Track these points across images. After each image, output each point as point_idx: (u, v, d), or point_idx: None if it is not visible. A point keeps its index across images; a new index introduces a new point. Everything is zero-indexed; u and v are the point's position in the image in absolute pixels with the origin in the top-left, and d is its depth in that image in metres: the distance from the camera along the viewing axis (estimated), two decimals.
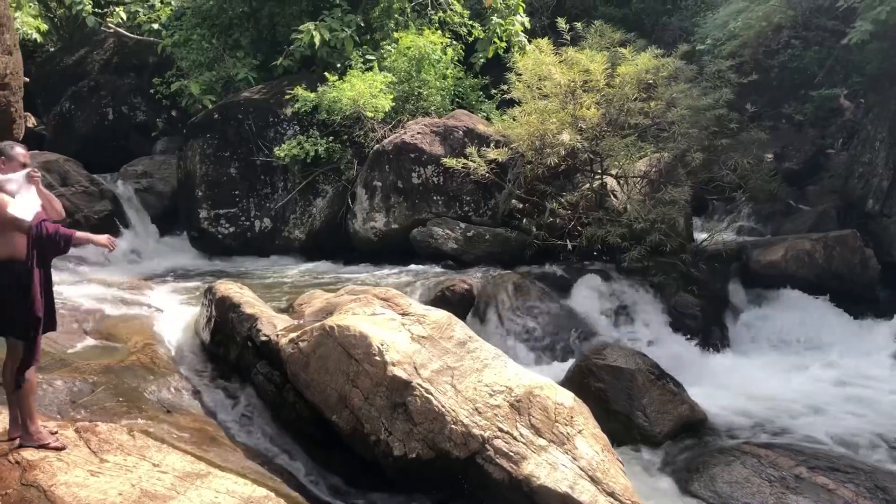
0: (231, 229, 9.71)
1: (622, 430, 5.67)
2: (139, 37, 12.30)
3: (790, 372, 7.27)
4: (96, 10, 12.33)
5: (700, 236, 9.42)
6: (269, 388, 4.93)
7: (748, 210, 11.42)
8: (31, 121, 12.58)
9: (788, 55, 12.81)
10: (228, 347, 5.40)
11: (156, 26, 12.14)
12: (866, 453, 5.42)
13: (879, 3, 8.33)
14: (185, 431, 4.47)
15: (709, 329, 7.84)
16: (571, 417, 4.42)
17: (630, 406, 5.79)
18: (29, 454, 3.76)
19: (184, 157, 10.04)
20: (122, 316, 6.33)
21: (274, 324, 5.15)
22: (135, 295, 7.18)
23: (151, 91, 11.79)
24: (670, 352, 7.19)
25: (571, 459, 4.17)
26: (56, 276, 4.28)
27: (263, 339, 5.02)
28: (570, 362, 6.53)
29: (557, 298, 7.69)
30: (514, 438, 4.18)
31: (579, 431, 4.38)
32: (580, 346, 7.07)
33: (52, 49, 14.32)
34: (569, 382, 5.83)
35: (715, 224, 10.61)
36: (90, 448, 3.85)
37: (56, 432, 3.96)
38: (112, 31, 12.49)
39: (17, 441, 3.87)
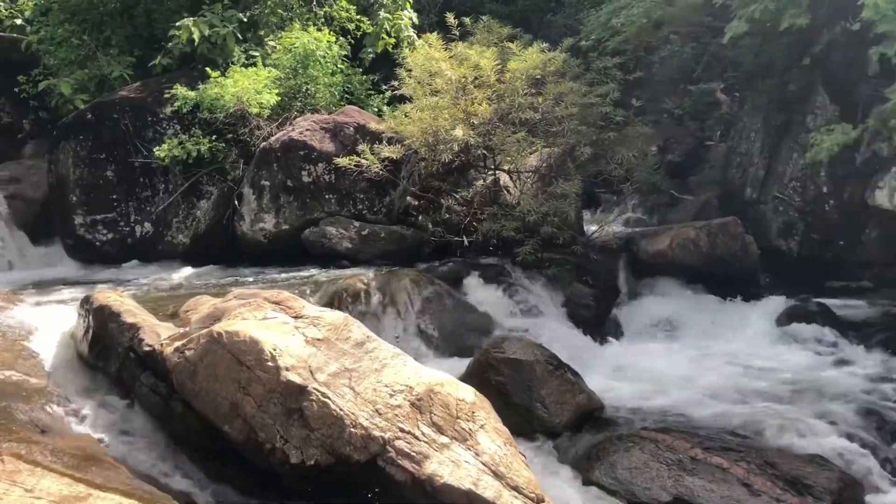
0: (110, 235, 9.18)
1: (523, 422, 5.66)
2: (1, 33, 11.47)
3: (681, 357, 7.49)
4: None
5: (590, 228, 9.61)
6: (155, 401, 4.63)
7: (635, 202, 11.79)
8: None
9: (668, 51, 13.30)
10: (109, 359, 5.05)
11: (19, 21, 11.35)
12: (755, 432, 5.61)
13: (753, 1, 8.71)
14: (63, 452, 4.12)
15: (602, 318, 8.01)
16: (473, 413, 4.36)
17: (530, 398, 5.79)
18: None
19: (55, 161, 9.41)
20: None
21: (158, 332, 4.85)
22: (6, 308, 6.63)
23: (16, 90, 11.00)
24: (567, 342, 7.29)
25: (474, 455, 4.11)
26: None
27: (147, 348, 4.72)
28: (471, 358, 6.49)
29: (455, 294, 7.67)
30: (416, 438, 4.08)
31: (481, 426, 4.32)
32: (480, 340, 7.05)
33: None
34: (469, 377, 5.77)
35: (604, 216, 10.88)
36: None
37: None
38: None
39: None
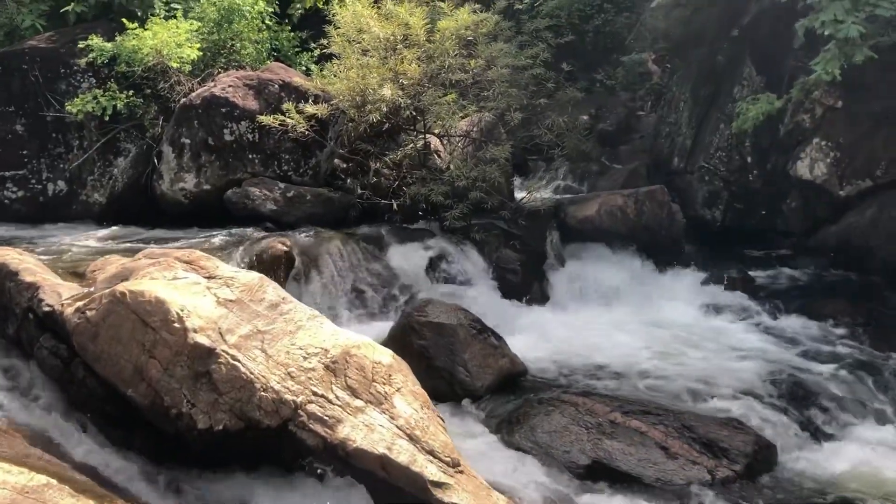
0: (20, 193, 8.69)
1: (445, 386, 5.62)
2: None
3: (607, 322, 7.54)
4: None
5: (520, 195, 9.57)
6: (55, 364, 4.39)
7: (565, 169, 11.81)
8: None
9: (602, 20, 13.27)
10: (7, 321, 4.77)
11: None
12: (675, 396, 5.69)
13: None
14: None
15: (529, 284, 7.98)
16: (390, 376, 4.26)
17: (452, 362, 5.74)
18: None
19: None
20: None
21: (59, 293, 4.59)
22: None
23: None
24: (493, 307, 7.27)
25: (389, 419, 4.01)
26: None
27: (46, 309, 4.46)
28: (394, 322, 6.40)
29: (382, 258, 7.55)
30: (329, 402, 3.96)
31: (398, 390, 4.23)
32: (404, 304, 6.95)
33: None
34: (391, 341, 5.69)
35: (533, 183, 10.85)
36: None
37: None
38: None
39: None
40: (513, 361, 5.98)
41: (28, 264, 4.92)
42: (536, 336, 7.00)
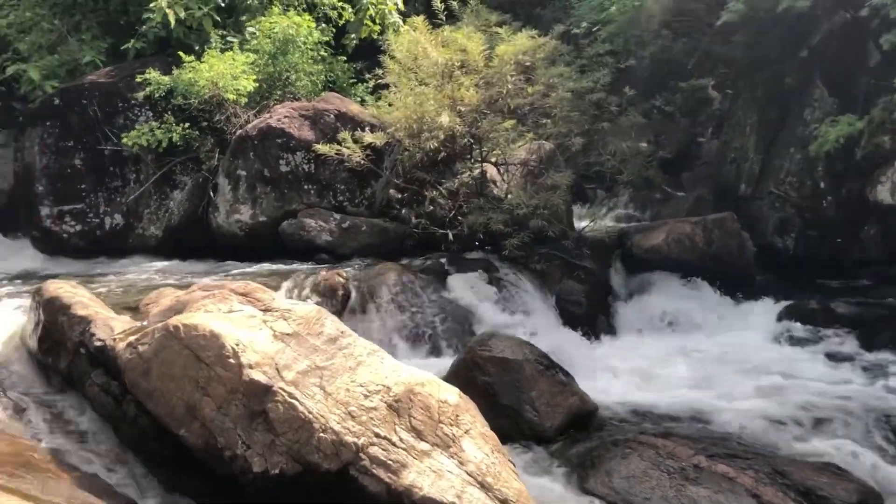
0: (78, 227, 8.70)
1: (511, 425, 5.26)
2: None
3: (676, 356, 7.12)
4: None
5: (581, 224, 9.25)
6: (107, 401, 4.20)
7: (627, 197, 11.48)
8: None
9: (659, 46, 12.96)
10: (59, 355, 4.62)
11: None
12: (761, 436, 5.25)
13: None
14: None
15: (594, 316, 7.64)
16: (457, 416, 3.96)
17: (518, 400, 5.39)
18: None
19: (21, 149, 8.93)
20: None
21: (111, 326, 4.42)
22: None
23: None
24: (557, 341, 6.89)
25: (458, 464, 3.70)
26: None
27: (98, 343, 4.29)
28: (455, 356, 6.09)
29: (439, 290, 7.28)
30: (393, 444, 3.67)
31: (466, 432, 3.92)
32: (465, 338, 6.65)
33: None
34: (454, 377, 5.37)
35: (595, 211, 10.53)
36: None
37: None
38: None
39: None
40: (583, 399, 5.61)
41: (81, 298, 4.78)
42: (604, 371, 6.63)
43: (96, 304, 4.80)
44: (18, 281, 7.50)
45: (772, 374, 6.53)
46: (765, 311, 8.00)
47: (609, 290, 8.12)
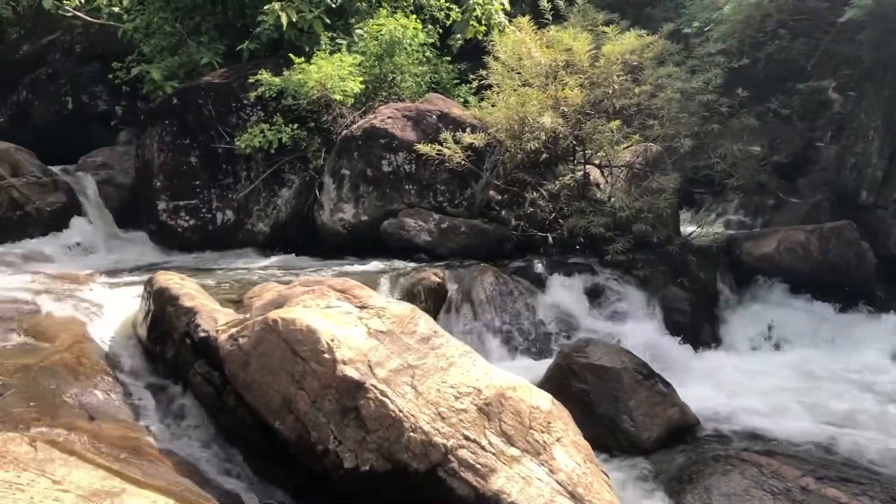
0: (191, 222, 9.09)
1: (606, 435, 5.13)
2: (103, 21, 11.66)
3: (785, 371, 6.77)
4: None
5: (688, 229, 8.93)
6: (208, 391, 4.34)
7: (737, 202, 11.02)
8: None
9: (776, 46, 12.39)
10: (166, 345, 4.81)
11: (117, 9, 11.51)
12: (877, 462, 4.90)
13: None
14: (106, 441, 3.87)
15: (699, 325, 7.35)
16: (549, 423, 3.87)
17: (615, 409, 5.25)
18: None
19: (142, 146, 9.41)
20: (57, 312, 5.70)
21: (215, 318, 4.57)
22: (77, 290, 6.54)
23: (111, 77, 11.15)
24: (658, 349, 6.68)
25: (548, 472, 3.62)
26: None
27: (202, 334, 4.44)
28: (550, 361, 5.99)
29: (537, 292, 7.18)
30: (482, 448, 3.63)
31: (557, 439, 3.83)
32: (561, 343, 6.53)
33: (15, 37, 13.66)
34: (547, 383, 5.29)
35: (703, 216, 10.16)
36: None
37: None
38: (71, 14, 11.82)
39: None
40: (683, 412, 5.41)
41: (188, 289, 4.96)
42: (708, 383, 6.35)
43: (202, 296, 4.98)
44: (134, 272, 7.88)
45: (891, 392, 6.10)
46: (885, 326, 7.51)
47: (715, 299, 7.81)
